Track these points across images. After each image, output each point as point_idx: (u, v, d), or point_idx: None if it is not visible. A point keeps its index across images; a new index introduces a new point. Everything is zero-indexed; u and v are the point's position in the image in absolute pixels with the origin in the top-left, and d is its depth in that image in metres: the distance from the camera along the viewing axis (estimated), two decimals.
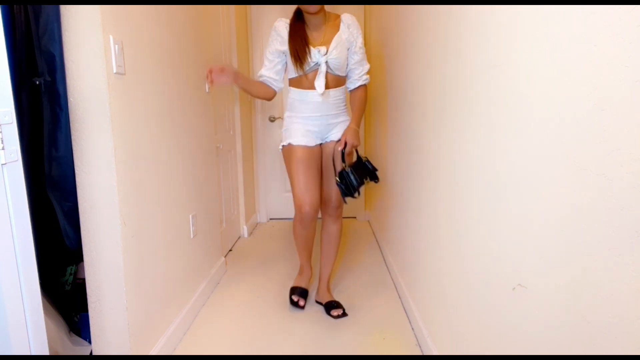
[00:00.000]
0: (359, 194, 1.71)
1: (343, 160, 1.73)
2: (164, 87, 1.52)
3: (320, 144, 1.84)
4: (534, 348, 0.77)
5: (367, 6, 3.13)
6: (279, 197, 3.44)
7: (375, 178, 1.79)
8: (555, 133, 0.69)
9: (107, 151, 1.19)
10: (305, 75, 1.74)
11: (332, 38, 1.74)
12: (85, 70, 1.15)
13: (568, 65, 0.65)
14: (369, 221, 3.34)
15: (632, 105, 0.53)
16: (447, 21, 1.23)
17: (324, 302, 1.89)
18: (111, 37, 1.17)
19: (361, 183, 1.71)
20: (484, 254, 0.99)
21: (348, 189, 1.69)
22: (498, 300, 0.91)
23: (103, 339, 1.28)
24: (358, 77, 1.81)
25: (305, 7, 1.71)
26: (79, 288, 1.34)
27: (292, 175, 1.77)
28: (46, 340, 0.96)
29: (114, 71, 1.18)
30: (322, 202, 1.86)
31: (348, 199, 1.73)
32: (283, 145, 1.83)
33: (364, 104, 1.85)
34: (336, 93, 1.79)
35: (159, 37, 1.48)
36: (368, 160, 1.79)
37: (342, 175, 1.69)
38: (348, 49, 1.76)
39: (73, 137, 1.19)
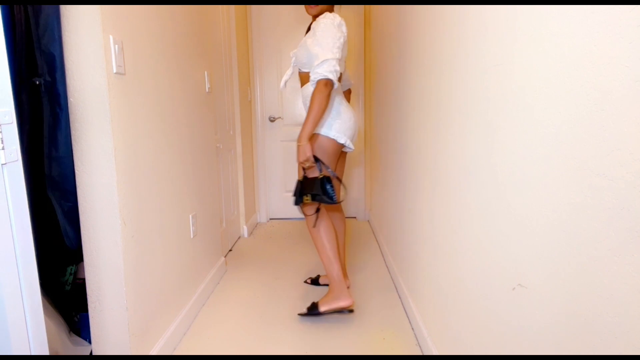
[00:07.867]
0: (297, 203, 1.77)
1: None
2: (164, 87, 1.52)
3: None
4: (533, 348, 0.77)
5: (367, 6, 3.12)
6: (279, 197, 3.44)
7: (322, 199, 1.70)
8: (555, 133, 0.69)
9: (107, 151, 1.19)
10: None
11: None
12: (85, 70, 1.15)
13: (568, 65, 0.65)
14: (369, 221, 3.34)
15: (632, 105, 0.53)
16: (447, 21, 1.23)
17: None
18: (111, 37, 1.17)
19: (299, 197, 1.74)
20: (483, 254, 0.99)
21: (295, 195, 1.78)
22: (498, 300, 0.91)
23: (103, 339, 1.28)
24: (311, 73, 1.66)
25: (306, 9, 1.77)
26: (79, 288, 1.34)
27: None
28: (46, 340, 0.96)
29: (114, 71, 1.18)
30: None
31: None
32: None
33: (312, 105, 1.62)
34: (307, 91, 1.75)
35: (159, 37, 1.48)
36: (327, 181, 1.70)
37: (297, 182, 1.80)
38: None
39: (73, 137, 1.19)
